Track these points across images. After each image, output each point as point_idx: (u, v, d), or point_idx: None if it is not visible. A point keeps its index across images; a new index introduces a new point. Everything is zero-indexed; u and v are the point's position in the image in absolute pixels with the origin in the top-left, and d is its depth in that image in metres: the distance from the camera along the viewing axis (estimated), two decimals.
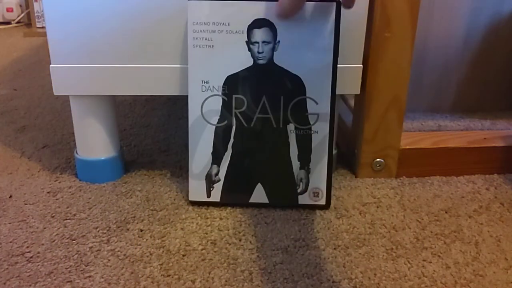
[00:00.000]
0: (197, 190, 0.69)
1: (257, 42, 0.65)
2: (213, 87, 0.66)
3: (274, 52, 0.65)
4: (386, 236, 0.64)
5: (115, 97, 0.76)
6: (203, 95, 0.67)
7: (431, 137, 0.81)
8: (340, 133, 0.86)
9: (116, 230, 0.64)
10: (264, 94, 0.67)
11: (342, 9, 0.64)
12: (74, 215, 0.67)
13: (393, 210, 0.70)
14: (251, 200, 0.69)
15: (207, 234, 0.64)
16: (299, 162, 0.68)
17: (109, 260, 0.58)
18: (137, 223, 0.66)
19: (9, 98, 1.14)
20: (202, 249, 0.61)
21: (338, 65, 0.66)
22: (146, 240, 0.62)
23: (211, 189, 0.69)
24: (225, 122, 0.67)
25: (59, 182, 0.76)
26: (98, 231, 0.64)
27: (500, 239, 0.64)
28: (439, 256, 0.60)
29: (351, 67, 0.70)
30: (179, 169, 0.81)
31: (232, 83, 0.66)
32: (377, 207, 0.70)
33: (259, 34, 0.65)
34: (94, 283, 0.55)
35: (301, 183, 0.69)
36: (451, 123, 0.88)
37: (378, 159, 0.77)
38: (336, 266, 0.58)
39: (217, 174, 0.69)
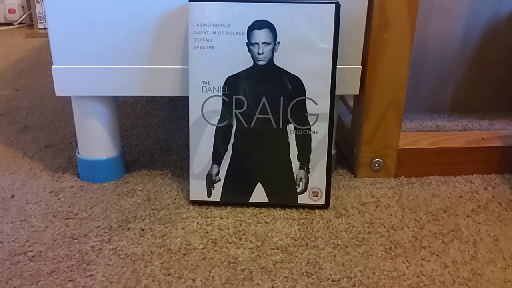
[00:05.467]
0: (197, 189, 0.70)
1: (257, 43, 0.66)
2: (213, 87, 0.67)
3: (274, 53, 0.66)
4: (384, 235, 0.64)
5: (116, 98, 0.76)
6: (204, 95, 0.67)
7: (430, 137, 0.81)
8: (339, 133, 0.86)
9: (118, 230, 0.65)
10: (264, 94, 0.67)
11: (342, 10, 0.65)
12: (76, 214, 0.68)
13: (391, 209, 0.70)
14: (251, 200, 0.70)
15: (207, 233, 0.64)
16: (298, 162, 0.69)
17: (110, 259, 0.59)
18: (138, 222, 0.66)
19: (11, 99, 1.15)
20: (202, 248, 0.61)
21: (337, 66, 0.67)
22: (147, 239, 0.63)
23: (212, 188, 0.70)
24: (226, 122, 0.68)
25: (61, 182, 0.76)
26: (100, 231, 0.64)
27: (498, 238, 0.64)
28: (437, 255, 0.61)
29: (350, 68, 0.71)
30: (180, 169, 0.81)
31: (232, 84, 0.67)
32: (376, 206, 0.71)
33: (259, 35, 0.65)
34: (96, 282, 0.55)
35: (300, 183, 0.69)
36: (449, 123, 0.88)
37: (377, 159, 0.78)
38: (335, 265, 0.59)
39: (217, 174, 0.69)
